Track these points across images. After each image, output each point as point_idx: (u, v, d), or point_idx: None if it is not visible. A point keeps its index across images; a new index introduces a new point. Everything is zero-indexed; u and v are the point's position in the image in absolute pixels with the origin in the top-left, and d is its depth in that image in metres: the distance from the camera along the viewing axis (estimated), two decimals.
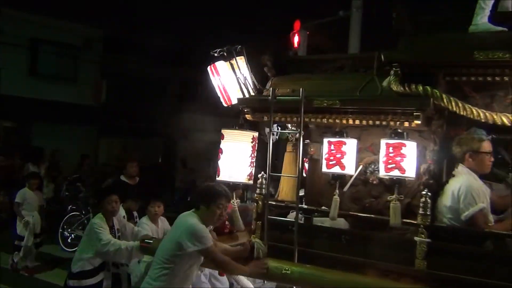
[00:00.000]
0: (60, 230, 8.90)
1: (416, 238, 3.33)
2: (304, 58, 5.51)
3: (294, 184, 4.11)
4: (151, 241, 4.19)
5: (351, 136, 3.65)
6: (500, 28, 3.73)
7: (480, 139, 3.41)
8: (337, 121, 3.63)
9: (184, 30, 16.84)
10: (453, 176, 3.51)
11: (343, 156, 3.54)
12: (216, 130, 4.39)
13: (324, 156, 3.62)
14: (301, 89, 3.67)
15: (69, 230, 8.95)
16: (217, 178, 3.93)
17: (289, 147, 4.34)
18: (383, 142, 3.44)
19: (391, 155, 3.37)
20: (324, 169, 3.62)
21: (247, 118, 3.98)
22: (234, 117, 4.17)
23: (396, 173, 3.36)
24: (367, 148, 3.82)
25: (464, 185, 3.36)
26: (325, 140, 3.64)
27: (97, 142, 16.87)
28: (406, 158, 3.33)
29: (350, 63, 4.37)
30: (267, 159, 3.79)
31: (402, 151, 3.34)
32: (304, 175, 4.24)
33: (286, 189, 4.28)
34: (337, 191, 3.63)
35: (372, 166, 3.76)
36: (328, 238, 3.72)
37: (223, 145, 3.92)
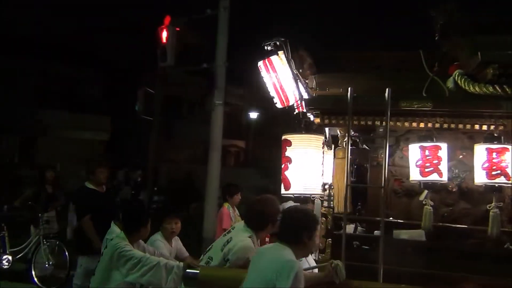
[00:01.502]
0: None
1: None
2: (336, 55, 5.10)
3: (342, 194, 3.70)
4: (198, 270, 3.44)
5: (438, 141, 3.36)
6: None
7: None
8: (429, 124, 3.32)
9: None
10: None
11: (440, 162, 3.24)
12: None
13: (416, 163, 3.28)
14: (387, 89, 3.28)
15: None
16: (285, 191, 3.37)
17: (339, 153, 3.91)
18: (482, 147, 3.22)
19: (494, 161, 3.16)
20: (417, 177, 3.28)
21: (315, 121, 3.48)
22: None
23: (501, 179, 3.16)
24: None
25: None
26: (415, 146, 3.30)
27: None
28: (510, 164, 3.15)
29: (388, 62, 4.11)
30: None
31: (504, 157, 3.16)
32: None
33: (339, 200, 3.84)
34: (428, 200, 3.31)
35: (456, 172, 3.51)
36: (414, 252, 3.39)
37: (290, 153, 3.35)
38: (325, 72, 3.92)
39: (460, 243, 3.44)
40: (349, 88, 3.34)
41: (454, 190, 3.54)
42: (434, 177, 3.24)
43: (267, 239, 3.88)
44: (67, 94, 19.43)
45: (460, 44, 3.86)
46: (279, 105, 3.60)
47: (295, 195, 3.38)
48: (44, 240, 6.70)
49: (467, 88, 3.42)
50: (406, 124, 3.36)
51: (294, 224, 2.77)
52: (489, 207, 3.27)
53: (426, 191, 3.53)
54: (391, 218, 3.65)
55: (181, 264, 3.41)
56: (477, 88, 3.35)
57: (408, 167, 3.66)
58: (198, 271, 3.39)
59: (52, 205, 7.42)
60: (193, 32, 7.75)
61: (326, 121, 3.47)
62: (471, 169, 3.52)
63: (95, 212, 5.08)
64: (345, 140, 4.06)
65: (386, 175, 3.31)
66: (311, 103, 3.44)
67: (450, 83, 3.61)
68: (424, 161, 3.25)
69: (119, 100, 18.15)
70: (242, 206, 5.57)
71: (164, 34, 7.31)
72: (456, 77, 3.55)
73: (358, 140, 3.86)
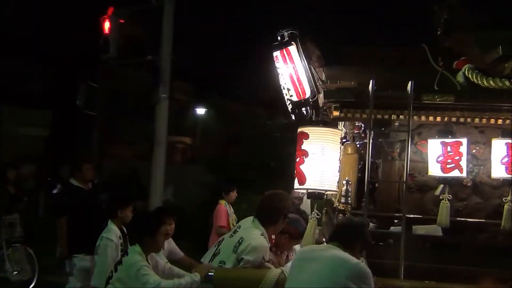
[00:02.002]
0: None
1: None
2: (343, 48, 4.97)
3: (355, 190, 3.64)
4: (213, 272, 3.25)
5: (458, 137, 3.35)
6: None
7: None
8: (448, 119, 3.30)
9: None
10: None
11: (461, 158, 3.22)
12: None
13: (437, 159, 3.24)
14: (410, 82, 3.23)
15: None
16: (299, 186, 3.24)
17: (348, 149, 3.82)
18: (502, 142, 3.23)
19: None
20: (438, 173, 3.26)
21: (334, 114, 3.37)
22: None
23: None
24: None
25: None
26: (436, 141, 3.27)
27: None
28: None
29: (393, 56, 4.07)
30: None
31: None
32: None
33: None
34: (446, 195, 3.29)
35: (470, 166, 3.50)
36: (432, 248, 3.37)
37: (307, 146, 3.23)
38: (334, 64, 3.82)
39: (476, 237, 3.44)
40: (371, 81, 3.26)
41: (468, 184, 3.54)
42: (455, 173, 3.24)
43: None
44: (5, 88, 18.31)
45: (467, 39, 3.89)
46: (294, 98, 3.45)
47: (309, 190, 3.25)
48: (7, 245, 6.26)
49: (480, 82, 3.42)
50: (426, 118, 3.32)
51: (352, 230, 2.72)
52: (505, 200, 3.28)
53: (441, 186, 3.52)
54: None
55: (196, 275, 3.20)
56: (491, 83, 3.36)
57: (422, 162, 3.66)
58: (212, 273, 3.21)
59: (15, 207, 6.93)
60: (138, 24, 7.49)
61: (346, 114, 3.36)
62: (484, 164, 3.55)
63: (80, 210, 4.79)
64: (354, 134, 4.02)
65: (407, 170, 3.27)
66: (331, 95, 3.33)
67: (460, 78, 3.61)
68: (445, 157, 3.23)
69: (61, 95, 17.27)
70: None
71: (107, 25, 6.99)
72: (467, 72, 3.55)
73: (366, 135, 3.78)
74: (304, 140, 3.23)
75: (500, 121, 3.35)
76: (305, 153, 3.21)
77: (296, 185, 3.27)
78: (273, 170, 12.81)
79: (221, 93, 19.46)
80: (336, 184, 3.32)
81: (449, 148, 3.22)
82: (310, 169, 3.20)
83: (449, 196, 3.30)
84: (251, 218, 3.45)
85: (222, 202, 5.89)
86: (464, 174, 3.25)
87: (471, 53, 3.70)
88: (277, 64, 3.48)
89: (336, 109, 3.34)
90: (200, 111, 22.16)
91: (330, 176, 3.23)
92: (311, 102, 3.45)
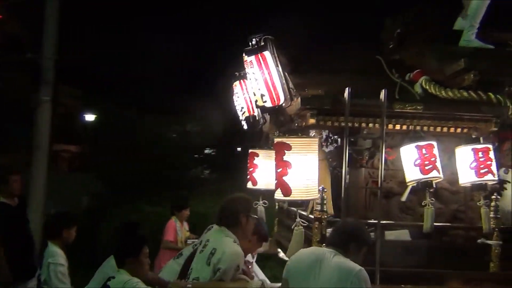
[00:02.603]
0: None
1: (492, 242, 3.42)
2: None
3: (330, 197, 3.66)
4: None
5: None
6: (489, 46, 4.22)
7: None
8: (418, 127, 3.42)
9: None
10: (506, 181, 3.74)
11: (436, 159, 3.34)
12: None
13: (415, 162, 3.33)
14: (383, 91, 3.31)
15: None
16: (284, 197, 3.17)
17: (319, 155, 3.82)
18: (467, 148, 3.40)
19: (482, 159, 3.36)
20: (417, 176, 3.34)
21: (310, 121, 3.34)
22: None
23: (489, 177, 3.37)
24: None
25: None
26: (410, 146, 3.36)
27: None
28: (493, 162, 3.39)
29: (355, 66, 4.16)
30: None
31: (489, 155, 3.38)
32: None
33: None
34: (429, 199, 3.39)
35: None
36: (403, 252, 3.45)
37: (290, 157, 3.15)
38: (301, 72, 3.81)
39: (440, 240, 3.57)
40: (347, 89, 3.28)
41: (431, 190, 3.68)
42: (434, 173, 3.33)
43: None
44: None
45: (421, 52, 4.10)
46: (268, 104, 3.39)
47: (295, 201, 3.20)
48: None
49: (438, 93, 3.61)
50: (397, 126, 3.42)
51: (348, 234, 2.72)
52: (479, 203, 3.47)
53: (407, 192, 3.64)
54: (372, 220, 3.64)
55: None
56: (450, 93, 3.56)
57: (388, 169, 3.76)
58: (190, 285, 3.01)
59: None
60: (18, 19, 7.02)
61: (322, 122, 3.35)
62: (443, 170, 3.73)
63: (9, 232, 4.22)
64: (323, 141, 4.04)
65: (381, 177, 3.33)
66: (308, 102, 3.30)
67: (418, 89, 3.78)
68: (422, 159, 3.31)
69: None
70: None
71: None
72: (424, 83, 3.73)
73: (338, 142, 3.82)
74: (286, 151, 3.14)
75: (459, 130, 3.56)
76: (288, 165, 3.13)
77: (280, 196, 3.18)
78: (168, 178, 12.56)
79: (115, 99, 18.06)
80: (318, 192, 3.28)
81: (424, 151, 3.32)
82: (295, 181, 3.13)
83: (432, 200, 3.41)
84: (215, 227, 3.34)
85: (173, 218, 5.66)
86: (441, 175, 3.37)
87: (427, 65, 3.90)
88: (250, 70, 3.39)
89: (312, 116, 3.31)
90: (91, 117, 20.26)
91: (314, 185, 3.19)
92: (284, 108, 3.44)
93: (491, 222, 3.43)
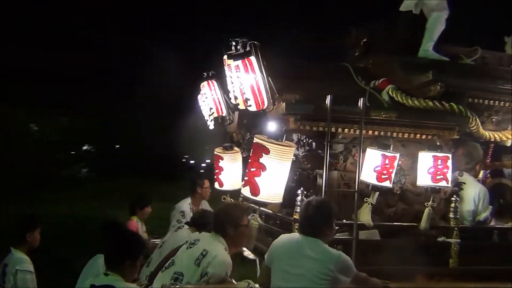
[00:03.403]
0: None
1: (451, 240, 3.74)
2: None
3: None
4: None
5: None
6: (444, 58, 4.59)
7: (480, 152, 4.13)
8: (388, 133, 3.66)
9: None
10: (463, 183, 4.07)
11: (393, 171, 3.61)
12: None
13: (375, 168, 3.57)
14: (362, 99, 3.49)
15: None
16: (251, 196, 3.27)
17: None
18: (429, 154, 3.68)
19: (440, 167, 3.65)
20: (372, 180, 3.59)
21: (291, 126, 3.47)
22: None
23: (443, 183, 3.67)
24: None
25: (482, 192, 4.00)
26: (377, 152, 3.59)
27: None
28: (449, 170, 3.69)
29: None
30: None
31: (447, 164, 3.68)
32: None
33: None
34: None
35: (398, 176, 3.89)
36: (374, 251, 3.67)
37: (266, 160, 3.25)
38: (277, 77, 3.91)
39: (406, 239, 3.82)
40: (329, 96, 3.44)
41: (398, 192, 3.94)
42: (386, 183, 3.62)
43: None
44: None
45: (386, 61, 4.36)
46: (253, 108, 3.46)
47: (260, 201, 3.32)
48: None
49: (405, 102, 3.87)
50: (373, 132, 3.64)
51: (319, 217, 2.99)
52: (427, 204, 3.76)
53: (377, 194, 3.86)
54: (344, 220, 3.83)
55: None
56: (416, 102, 3.83)
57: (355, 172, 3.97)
58: None
59: None
60: None
61: (302, 127, 3.48)
62: (407, 174, 4.01)
63: None
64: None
65: (359, 179, 3.53)
66: (292, 108, 3.42)
67: (385, 96, 4.03)
68: (382, 168, 3.56)
69: None
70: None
71: None
72: (391, 92, 3.98)
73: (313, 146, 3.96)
74: (264, 154, 3.24)
75: (424, 136, 3.85)
76: (263, 167, 3.23)
77: (247, 193, 3.27)
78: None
79: None
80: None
81: (387, 161, 3.57)
82: (266, 183, 3.23)
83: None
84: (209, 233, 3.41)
85: (134, 218, 5.46)
86: (391, 185, 3.67)
87: (393, 74, 4.16)
88: (235, 74, 3.44)
89: (296, 121, 3.43)
90: None
91: (281, 191, 3.32)
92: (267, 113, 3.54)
93: (451, 222, 3.76)
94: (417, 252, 3.75)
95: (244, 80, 3.39)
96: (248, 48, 3.37)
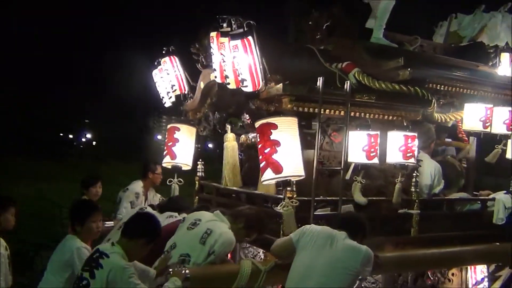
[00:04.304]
0: None
1: (412, 211, 4.15)
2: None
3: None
4: (189, 274, 2.98)
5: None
6: (394, 45, 5.01)
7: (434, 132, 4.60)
8: (366, 115, 3.90)
9: None
10: (420, 160, 4.47)
11: (377, 148, 3.87)
12: None
13: (363, 148, 3.80)
14: (347, 82, 3.68)
15: None
16: (275, 175, 3.39)
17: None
18: (399, 134, 4.01)
19: (409, 145, 4.00)
20: (363, 160, 3.82)
21: (287, 106, 3.54)
22: None
23: (411, 160, 4.03)
24: None
25: (437, 168, 4.45)
26: (363, 133, 3.82)
27: None
28: (417, 148, 4.07)
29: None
30: None
31: (415, 142, 4.05)
32: None
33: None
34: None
35: None
36: None
37: (277, 135, 3.35)
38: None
39: (376, 212, 4.15)
40: (320, 78, 3.57)
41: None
42: (375, 160, 3.87)
43: None
44: None
45: (349, 44, 4.59)
46: (249, 89, 3.47)
47: (286, 178, 3.39)
48: None
49: (372, 85, 4.13)
50: (355, 113, 3.86)
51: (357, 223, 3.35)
52: (397, 181, 4.10)
53: (350, 171, 4.11)
54: (321, 197, 4.03)
55: (177, 280, 2.93)
56: (383, 86, 4.10)
57: (331, 151, 4.19)
58: (189, 275, 2.99)
59: None
60: None
61: (295, 108, 3.57)
62: None
63: None
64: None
65: (344, 158, 3.74)
66: (288, 89, 3.48)
67: (352, 79, 4.26)
68: (370, 146, 3.82)
69: None
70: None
71: None
72: (357, 75, 4.21)
73: None
74: (272, 131, 3.32)
75: (392, 117, 4.16)
76: (277, 143, 3.33)
77: (271, 175, 3.34)
78: None
79: None
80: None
81: (372, 139, 3.82)
82: (285, 158, 3.34)
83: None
84: (204, 212, 3.53)
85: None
86: (378, 161, 3.93)
87: (358, 58, 4.40)
88: (232, 53, 3.41)
89: (290, 102, 3.51)
90: None
91: (300, 163, 3.44)
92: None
93: (413, 195, 4.16)
94: (382, 223, 4.13)
95: (242, 60, 3.39)
96: (246, 28, 3.36)
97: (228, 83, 3.60)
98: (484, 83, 4.70)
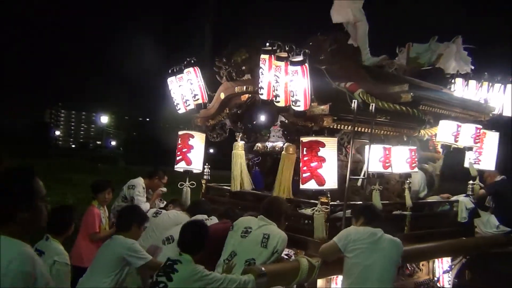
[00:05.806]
0: None
1: (406, 213, 4.94)
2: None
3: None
4: (265, 270, 3.41)
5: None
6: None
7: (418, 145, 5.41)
8: (377, 131, 4.58)
9: None
10: None
11: (391, 159, 4.58)
12: None
13: (380, 159, 4.48)
14: (371, 105, 4.32)
15: None
16: (318, 187, 3.94)
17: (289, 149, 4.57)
18: (406, 148, 4.74)
19: (413, 157, 4.76)
20: (380, 169, 4.50)
21: (329, 124, 4.07)
22: None
23: (415, 170, 4.83)
24: None
25: (423, 176, 5.29)
26: (379, 146, 4.49)
27: None
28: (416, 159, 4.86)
29: None
30: None
31: (416, 154, 4.82)
32: None
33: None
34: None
35: None
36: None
37: (324, 152, 3.91)
38: None
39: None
40: (354, 101, 4.16)
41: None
42: (389, 170, 4.56)
43: None
44: None
45: (355, 68, 5.24)
46: (301, 108, 3.94)
47: (327, 190, 3.96)
48: None
49: (377, 104, 4.80)
50: (375, 130, 4.50)
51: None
52: (373, 188, 4.66)
53: (361, 179, 4.76)
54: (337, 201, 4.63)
55: (250, 276, 3.38)
56: (386, 106, 4.81)
57: (345, 161, 4.80)
58: (265, 271, 3.44)
59: None
60: None
61: (336, 126, 4.13)
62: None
63: None
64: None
65: (368, 167, 4.38)
66: (335, 110, 4.03)
67: (357, 98, 4.92)
68: (385, 158, 4.50)
69: None
70: None
71: None
72: (361, 94, 4.89)
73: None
74: (321, 148, 3.87)
75: (393, 133, 4.87)
76: (323, 159, 3.86)
77: (314, 186, 3.86)
78: None
79: None
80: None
81: (387, 152, 4.52)
82: (328, 172, 3.89)
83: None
84: (249, 218, 3.92)
85: (95, 203, 5.08)
86: (392, 170, 4.64)
87: (362, 80, 5.07)
88: (289, 77, 3.87)
89: (334, 121, 4.05)
90: None
91: (336, 176, 4.03)
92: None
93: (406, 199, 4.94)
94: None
95: (298, 84, 3.86)
96: (304, 56, 3.85)
97: (278, 101, 4.04)
98: (453, 104, 5.63)
